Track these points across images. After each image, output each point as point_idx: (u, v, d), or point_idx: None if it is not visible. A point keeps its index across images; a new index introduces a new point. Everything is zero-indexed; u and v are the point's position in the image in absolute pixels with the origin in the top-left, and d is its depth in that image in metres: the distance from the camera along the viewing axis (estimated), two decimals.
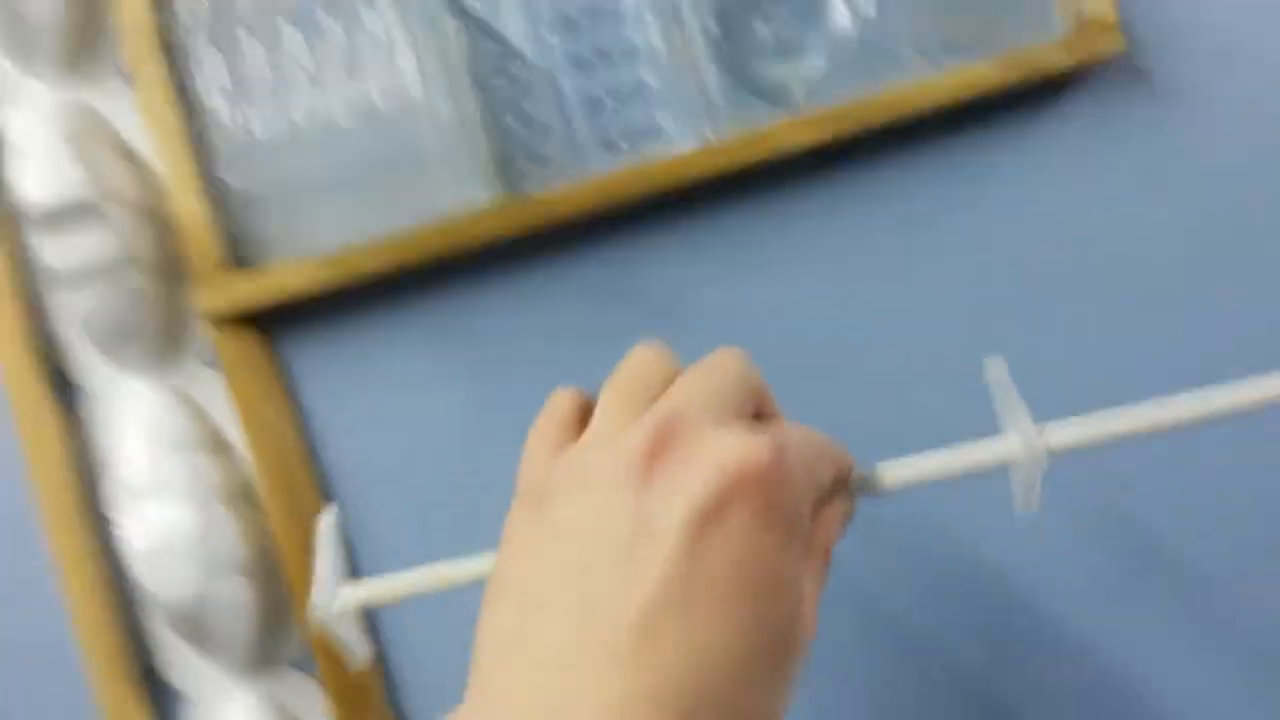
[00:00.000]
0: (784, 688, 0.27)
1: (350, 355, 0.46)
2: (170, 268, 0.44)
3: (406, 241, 0.45)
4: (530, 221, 0.46)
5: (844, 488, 0.32)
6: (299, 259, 0.44)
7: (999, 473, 0.33)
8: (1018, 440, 0.33)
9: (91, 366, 0.44)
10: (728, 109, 0.49)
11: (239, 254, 0.45)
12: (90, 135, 0.43)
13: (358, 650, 0.35)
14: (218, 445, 0.44)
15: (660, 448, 0.27)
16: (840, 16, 0.50)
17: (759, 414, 0.31)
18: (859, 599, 0.50)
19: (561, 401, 0.31)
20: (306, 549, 0.46)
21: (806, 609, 0.28)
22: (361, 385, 0.47)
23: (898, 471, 0.33)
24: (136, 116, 0.45)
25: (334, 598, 0.34)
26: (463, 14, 0.48)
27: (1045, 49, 0.50)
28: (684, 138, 0.49)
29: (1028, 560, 0.50)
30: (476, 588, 0.30)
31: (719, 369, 0.30)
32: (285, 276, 0.44)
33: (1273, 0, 0.54)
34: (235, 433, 0.45)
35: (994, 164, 0.51)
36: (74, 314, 0.42)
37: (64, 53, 0.45)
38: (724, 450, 0.26)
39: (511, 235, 0.46)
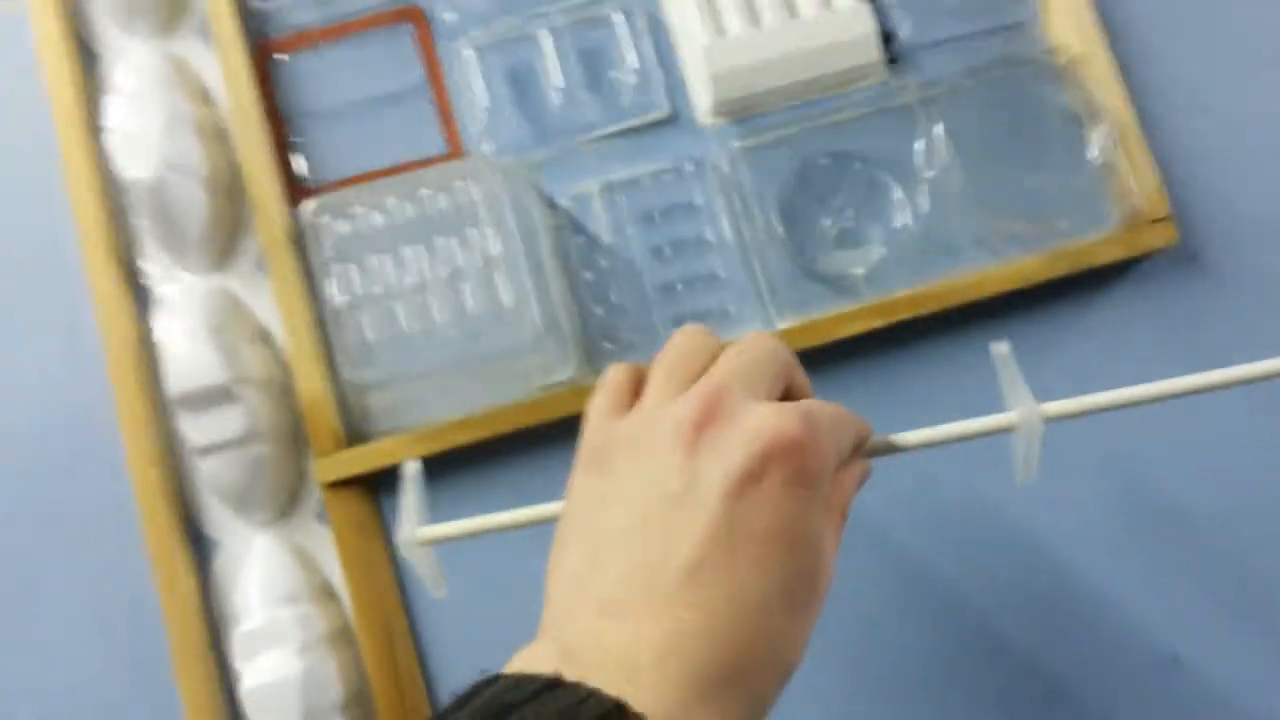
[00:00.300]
0: (808, 624, 0.31)
1: (444, 517, 0.51)
2: (292, 437, 0.51)
3: (495, 418, 0.50)
4: None
5: (861, 451, 0.37)
6: (401, 435, 0.50)
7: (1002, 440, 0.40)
8: (1017, 412, 0.39)
9: (222, 522, 0.51)
10: (790, 294, 0.53)
11: (351, 429, 0.51)
12: (230, 320, 0.50)
13: (437, 582, 0.40)
14: (325, 593, 0.50)
15: (706, 418, 0.31)
16: (901, 211, 0.55)
17: (790, 387, 0.35)
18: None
19: (617, 375, 0.36)
20: (398, 687, 0.50)
21: (827, 558, 0.32)
22: (454, 543, 0.52)
23: (912, 436, 0.38)
24: (271, 304, 0.52)
25: (416, 533, 0.39)
26: (555, 212, 0.54)
27: (1098, 243, 0.53)
28: (749, 320, 0.53)
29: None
30: None
31: (755, 348, 0.34)
32: (390, 449, 0.49)
33: None
34: (339, 581, 0.50)
35: (1048, 351, 0.54)
36: (208, 478, 0.49)
37: (211, 248, 0.52)
38: (760, 421, 0.31)
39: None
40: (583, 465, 0.34)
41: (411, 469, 0.41)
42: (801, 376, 0.36)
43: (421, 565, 0.40)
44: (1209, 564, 0.52)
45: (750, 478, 0.30)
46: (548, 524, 0.37)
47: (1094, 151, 0.54)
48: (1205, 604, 0.52)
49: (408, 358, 0.47)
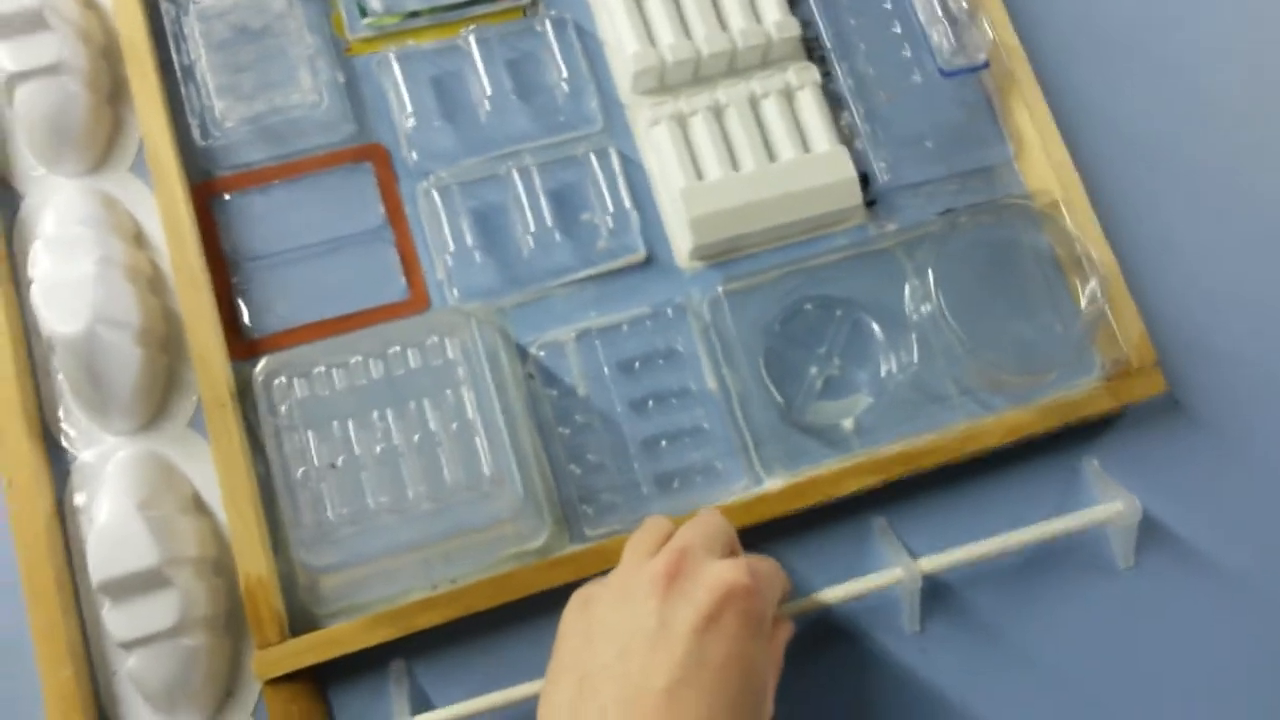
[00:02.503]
0: None
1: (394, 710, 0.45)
2: (227, 625, 0.44)
3: (462, 597, 0.44)
4: (585, 570, 0.45)
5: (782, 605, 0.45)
6: (356, 619, 0.43)
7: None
8: (900, 568, 0.47)
9: None
10: (777, 448, 0.49)
11: (296, 613, 0.44)
12: (161, 491, 0.43)
13: None
14: None
15: (675, 571, 0.38)
16: (887, 358, 0.51)
17: (732, 550, 0.42)
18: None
19: (660, 524, 0.42)
20: None
21: (770, 690, 0.39)
22: None
23: (821, 595, 0.46)
24: (207, 470, 0.45)
25: None
26: (526, 362, 0.49)
27: (1087, 395, 0.50)
28: (735, 476, 0.49)
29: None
30: None
31: (707, 521, 0.42)
32: (343, 637, 0.43)
33: None
34: None
35: (1037, 501, 0.51)
36: (131, 676, 0.41)
37: (141, 408, 0.46)
38: (719, 573, 0.38)
39: (564, 585, 0.45)
40: (572, 608, 0.40)
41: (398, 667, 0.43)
42: (738, 544, 0.43)
43: None
44: None
45: (713, 617, 0.37)
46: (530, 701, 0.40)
47: (1083, 302, 0.51)
48: None
49: (373, 536, 0.40)
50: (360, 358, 0.42)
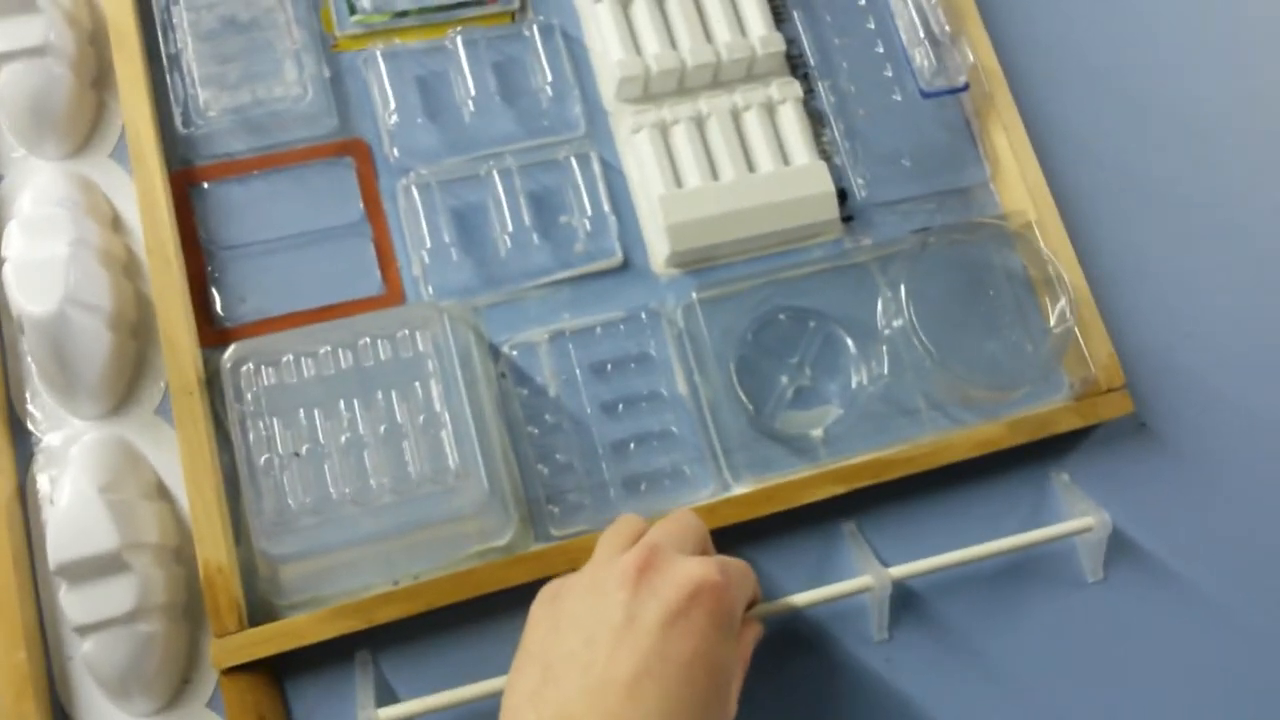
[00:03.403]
0: None
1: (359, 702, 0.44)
2: (185, 613, 0.43)
3: (424, 592, 0.43)
4: (550, 569, 0.45)
5: (753, 609, 0.44)
6: (315, 611, 0.42)
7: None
8: (870, 575, 0.47)
9: (97, 710, 0.42)
10: (747, 455, 0.49)
11: (255, 603, 0.43)
12: (125, 476, 0.43)
13: None
14: None
15: (645, 566, 0.38)
16: (858, 370, 0.51)
17: (704, 550, 0.42)
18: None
19: (633, 522, 0.42)
20: None
21: (735, 690, 0.39)
22: None
23: (790, 599, 0.46)
24: (171, 458, 0.45)
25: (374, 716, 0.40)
26: (498, 361, 0.49)
27: (1055, 412, 0.50)
28: (703, 482, 0.48)
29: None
30: None
31: (681, 520, 0.42)
32: (302, 628, 0.42)
33: (1260, 351, 0.55)
34: None
35: (1007, 514, 0.51)
36: (86, 661, 0.40)
37: (108, 393, 0.45)
38: (689, 569, 0.38)
39: (528, 582, 0.45)
40: (541, 599, 0.40)
41: (363, 658, 0.43)
42: (710, 545, 0.43)
43: None
44: None
45: (680, 613, 0.37)
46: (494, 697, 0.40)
47: (1053, 321, 0.52)
48: None
49: (334, 527, 0.40)
50: (329, 348, 0.42)
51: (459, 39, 0.53)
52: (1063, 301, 0.51)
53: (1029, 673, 0.48)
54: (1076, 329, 0.51)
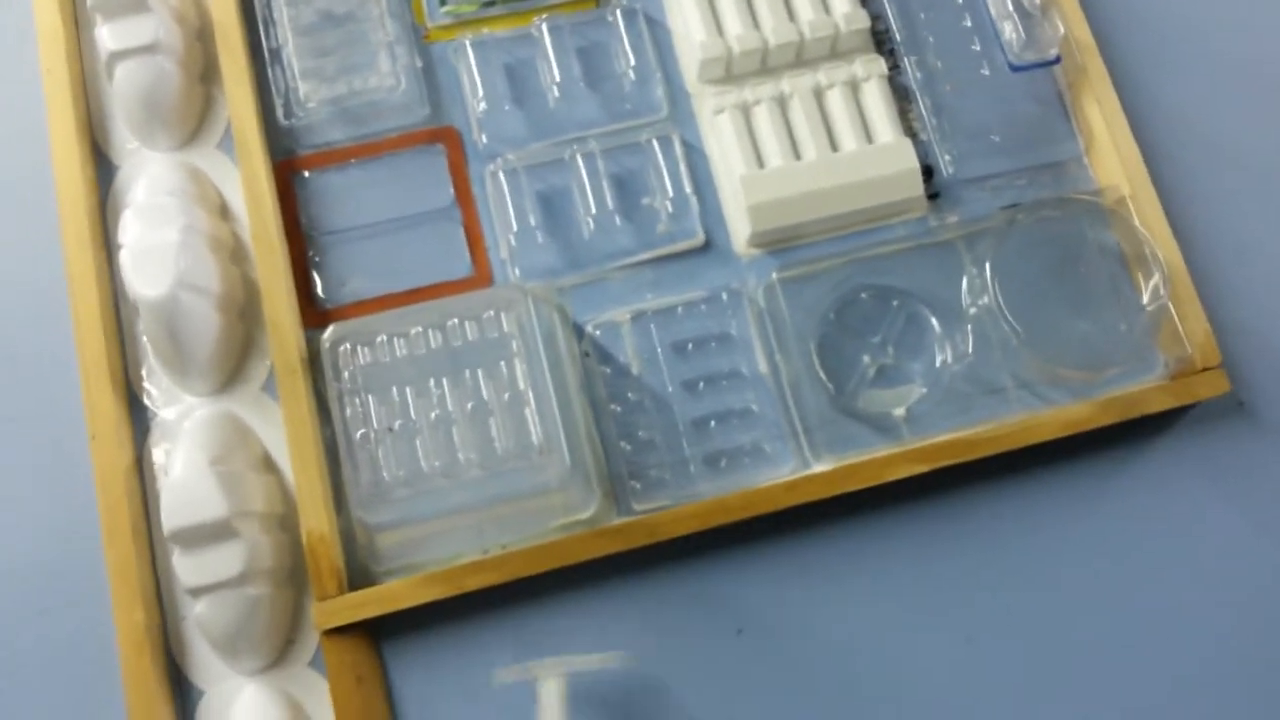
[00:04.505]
0: None
1: (453, 667, 0.46)
2: (290, 577, 0.45)
3: (511, 561, 0.44)
4: (631, 542, 0.45)
5: None
6: (409, 577, 0.44)
7: None
8: None
9: (208, 668, 0.45)
10: (827, 433, 0.49)
11: (354, 569, 0.45)
12: (234, 449, 0.45)
13: None
14: None
15: None
16: (942, 350, 0.50)
17: None
18: None
19: None
20: None
21: None
22: (458, 694, 0.46)
23: None
24: (277, 432, 0.47)
25: None
26: (582, 341, 0.50)
27: (1148, 392, 0.49)
28: (783, 459, 0.48)
29: None
30: None
31: None
32: (398, 593, 0.44)
33: None
34: None
35: (1095, 498, 0.50)
36: (198, 621, 0.43)
37: (218, 371, 0.48)
38: None
39: (612, 554, 0.46)
40: None
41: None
42: None
43: None
44: None
45: None
46: None
47: (1146, 299, 0.50)
48: None
49: (426, 499, 0.41)
50: (420, 328, 0.43)
51: (544, 26, 0.53)
52: (1156, 278, 0.49)
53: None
54: (1171, 306, 0.50)
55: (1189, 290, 0.50)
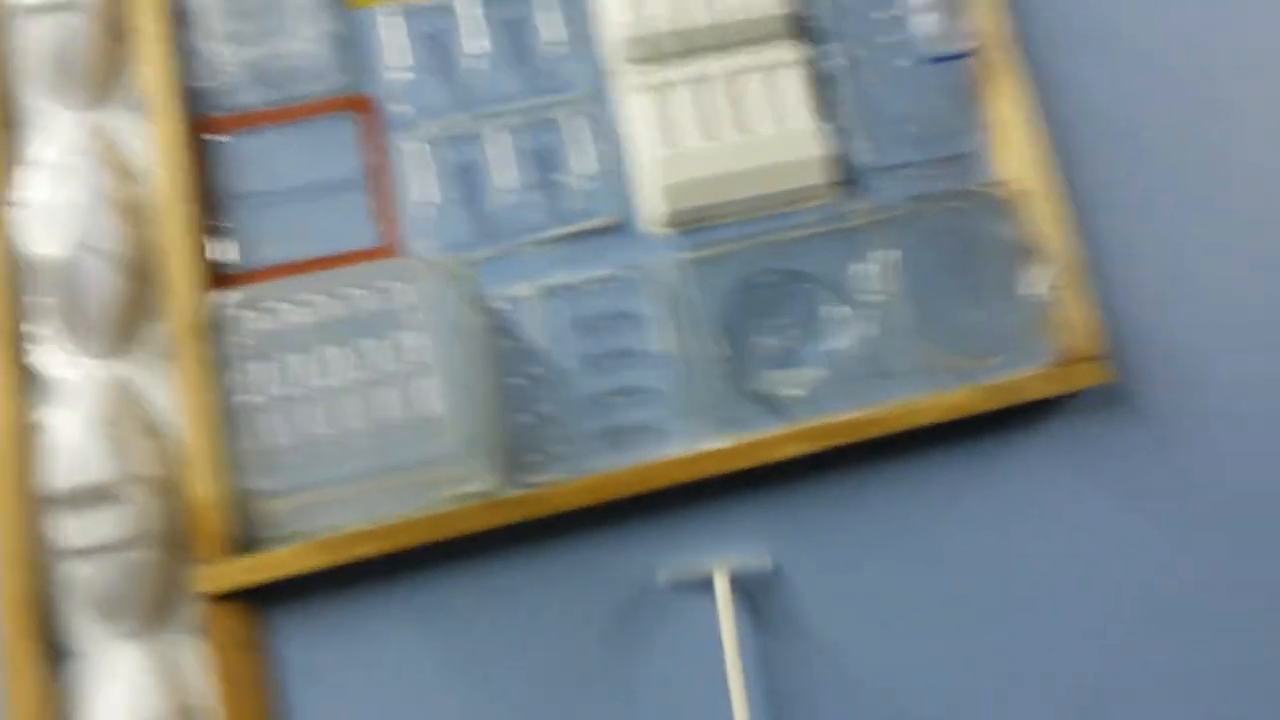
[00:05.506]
0: None
1: (337, 635, 0.46)
2: (173, 542, 0.45)
3: (405, 529, 0.45)
4: (524, 514, 0.46)
5: None
6: (298, 544, 0.44)
7: None
8: None
9: (86, 632, 0.44)
10: (727, 412, 0.49)
11: (242, 537, 0.45)
12: (125, 412, 0.45)
13: None
14: (191, 712, 0.44)
15: None
16: (842, 334, 0.51)
17: None
18: None
19: None
20: None
21: None
22: (344, 664, 0.46)
23: None
24: (169, 397, 0.46)
25: None
26: (488, 314, 0.49)
27: (1032, 379, 0.49)
28: (681, 436, 0.49)
29: None
30: None
31: None
32: (285, 560, 0.44)
33: (1247, 328, 0.53)
34: (212, 700, 0.44)
35: (974, 481, 0.50)
36: (78, 583, 0.43)
37: (114, 333, 0.47)
38: None
39: (505, 525, 0.46)
40: None
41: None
42: None
43: None
44: None
45: None
46: None
47: (1036, 288, 0.50)
48: None
49: (318, 466, 0.41)
50: (321, 297, 0.43)
51: None
52: (1045, 270, 0.50)
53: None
54: (1058, 297, 0.50)
55: (1079, 281, 0.51)
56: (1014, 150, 0.53)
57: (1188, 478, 0.51)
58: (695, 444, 0.49)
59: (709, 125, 0.52)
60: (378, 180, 0.51)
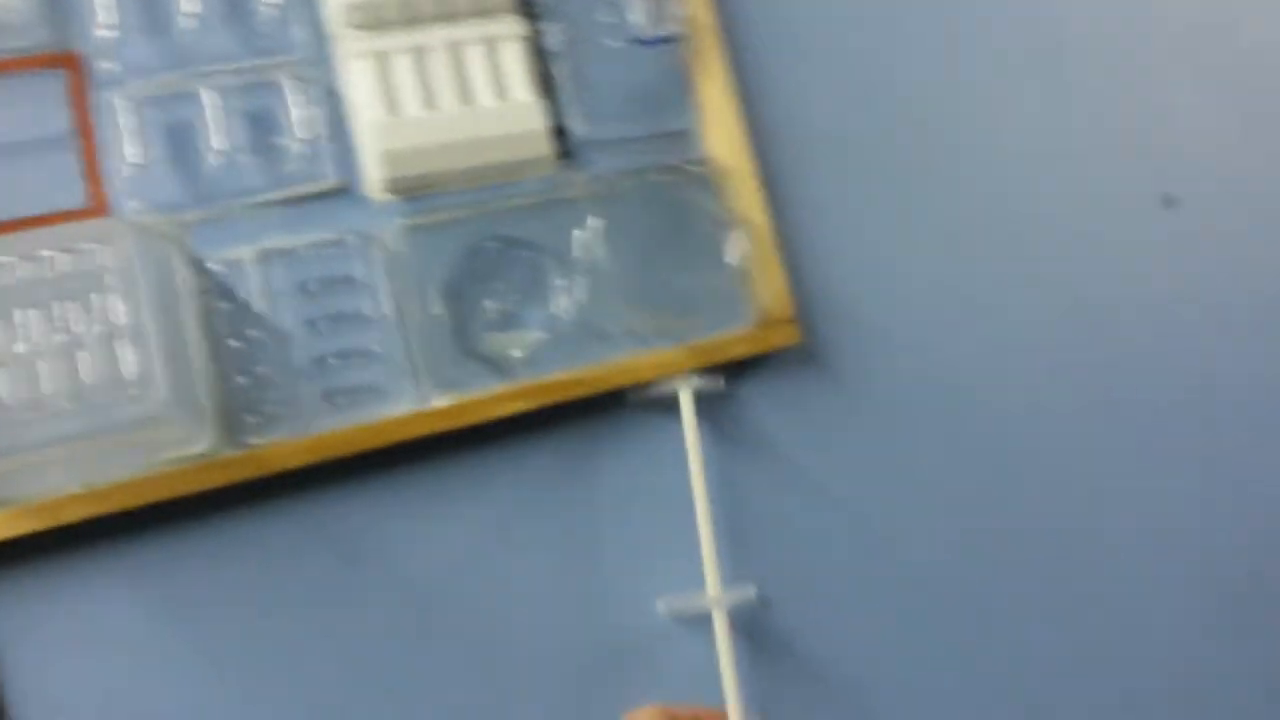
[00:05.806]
0: None
1: (54, 602, 0.45)
2: None
3: (117, 492, 0.45)
4: (242, 474, 0.47)
5: None
6: (4, 509, 0.43)
7: None
8: None
9: None
10: (448, 373, 0.52)
11: None
12: None
13: None
14: None
15: None
16: (560, 299, 0.54)
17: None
18: None
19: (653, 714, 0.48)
20: None
21: None
22: (62, 631, 0.45)
23: None
24: None
25: None
26: (202, 276, 0.50)
27: (731, 340, 0.55)
28: (403, 397, 0.51)
29: None
30: None
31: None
32: None
33: (922, 294, 0.61)
34: None
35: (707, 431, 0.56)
36: None
37: None
38: None
39: (221, 487, 0.47)
40: None
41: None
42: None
43: None
44: None
45: None
46: None
47: (731, 258, 0.56)
48: None
49: (14, 432, 0.41)
50: (10, 258, 0.42)
51: None
52: (741, 241, 0.55)
53: None
54: (754, 266, 0.56)
55: (771, 252, 0.56)
56: (720, 131, 0.58)
57: (870, 426, 0.58)
58: (418, 404, 0.51)
59: (430, 94, 0.54)
60: (85, 139, 0.50)
